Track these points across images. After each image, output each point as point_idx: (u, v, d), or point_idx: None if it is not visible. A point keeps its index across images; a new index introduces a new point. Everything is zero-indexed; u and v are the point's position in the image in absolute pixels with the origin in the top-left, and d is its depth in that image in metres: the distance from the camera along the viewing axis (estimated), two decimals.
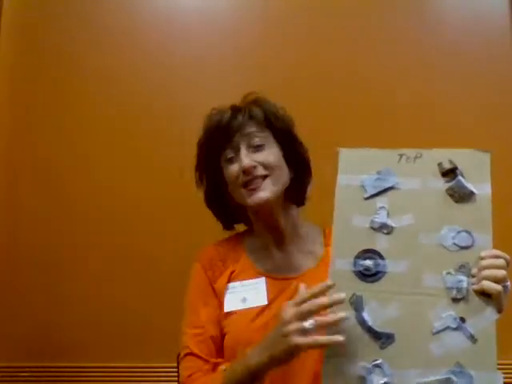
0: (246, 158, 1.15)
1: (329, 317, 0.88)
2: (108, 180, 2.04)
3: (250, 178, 1.15)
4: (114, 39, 2.11)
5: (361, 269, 0.91)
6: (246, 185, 1.16)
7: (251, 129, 1.18)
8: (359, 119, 2.00)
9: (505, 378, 1.85)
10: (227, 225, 1.30)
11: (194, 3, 2.15)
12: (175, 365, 1.40)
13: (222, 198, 1.26)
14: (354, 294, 0.90)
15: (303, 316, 0.89)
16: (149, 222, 2.02)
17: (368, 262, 0.91)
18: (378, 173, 0.96)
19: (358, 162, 0.98)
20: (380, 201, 0.94)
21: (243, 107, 1.22)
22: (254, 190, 1.15)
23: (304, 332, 0.88)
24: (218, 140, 1.19)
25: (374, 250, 0.92)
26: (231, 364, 1.07)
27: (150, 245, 2.00)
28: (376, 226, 0.93)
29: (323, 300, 0.89)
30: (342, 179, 0.97)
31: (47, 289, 1.99)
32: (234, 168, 1.17)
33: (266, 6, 2.14)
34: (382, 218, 0.93)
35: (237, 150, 1.17)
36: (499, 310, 0.87)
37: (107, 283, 1.99)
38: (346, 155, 0.99)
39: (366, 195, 0.95)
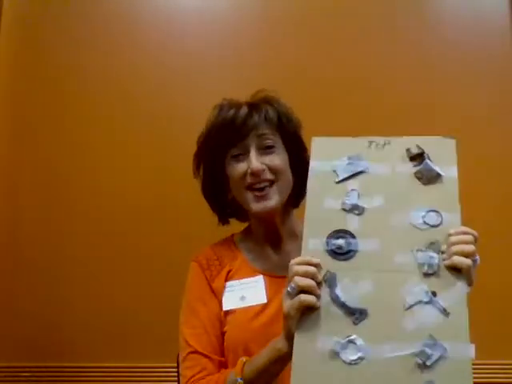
0: (256, 161, 1.15)
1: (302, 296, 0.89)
2: (108, 180, 2.04)
3: (257, 180, 1.16)
4: (113, 39, 2.12)
5: (333, 247, 0.92)
6: (251, 187, 1.17)
7: (265, 130, 1.18)
8: (359, 119, 2.00)
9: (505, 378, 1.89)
10: (222, 218, 1.30)
11: (193, 3, 2.15)
12: (175, 365, 1.40)
13: (220, 190, 1.26)
14: (327, 272, 0.91)
15: (289, 282, 0.92)
16: (149, 222, 2.02)
17: (340, 241, 0.92)
18: (349, 158, 0.99)
19: (330, 149, 1.01)
20: (351, 184, 0.97)
21: (259, 106, 1.21)
22: (262, 197, 1.16)
23: (289, 296, 0.90)
24: (229, 135, 1.18)
25: (346, 230, 0.93)
26: (254, 355, 1.06)
27: (150, 245, 2.00)
28: (347, 207, 0.95)
29: (303, 267, 0.90)
30: (314, 165, 1.00)
31: (47, 289, 1.99)
32: (240, 167, 1.17)
33: (265, 6, 2.14)
34: (353, 199, 0.96)
35: (246, 150, 1.17)
36: (469, 284, 0.88)
37: (107, 283, 1.99)
38: (318, 143, 1.03)
39: (338, 179, 0.98)
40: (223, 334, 1.17)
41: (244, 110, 1.19)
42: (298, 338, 0.88)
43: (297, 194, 1.24)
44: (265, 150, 1.18)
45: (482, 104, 2.07)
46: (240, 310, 1.17)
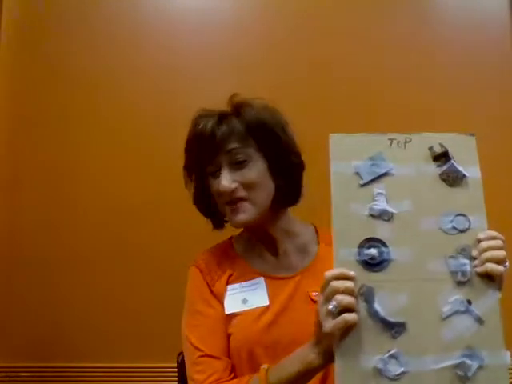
0: (226, 180, 1.13)
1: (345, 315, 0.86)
2: (108, 181, 2.05)
3: (230, 198, 1.14)
4: (114, 40, 2.13)
5: (366, 258, 0.89)
6: (227, 203, 1.15)
7: (233, 145, 1.14)
8: (360, 120, 2.01)
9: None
10: (216, 224, 1.27)
11: (193, 3, 2.15)
12: (175, 365, 1.39)
13: (209, 200, 1.23)
14: (363, 285, 0.88)
15: (328, 299, 0.88)
16: (149, 222, 2.02)
17: (373, 251, 0.89)
18: (371, 158, 0.95)
19: (350, 147, 0.96)
20: (377, 187, 0.93)
21: (227, 118, 1.16)
22: (235, 210, 1.14)
23: (331, 315, 0.87)
24: (201, 153, 1.16)
25: (377, 238, 0.90)
26: (280, 362, 1.03)
27: (150, 245, 2.00)
28: (376, 213, 0.91)
29: (342, 282, 0.87)
30: (334, 166, 0.95)
31: (47, 289, 2.00)
32: (216, 184, 1.15)
33: (266, 6, 2.15)
34: (381, 204, 0.92)
35: (220, 166, 1.15)
36: (499, 289, 0.89)
37: (107, 283, 2.00)
38: (336, 141, 0.96)
39: (362, 182, 0.94)
40: (228, 336, 1.17)
41: (210, 125, 1.15)
42: (339, 358, 0.86)
43: (288, 195, 1.21)
44: (237, 164, 1.14)
45: (481, 104, 2.08)
46: (243, 313, 1.16)
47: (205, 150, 1.15)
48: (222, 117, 1.17)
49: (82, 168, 2.06)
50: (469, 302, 0.87)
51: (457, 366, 0.85)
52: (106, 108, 2.09)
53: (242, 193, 1.14)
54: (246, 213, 1.14)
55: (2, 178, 2.05)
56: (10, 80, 2.10)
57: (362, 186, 0.94)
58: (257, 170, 1.15)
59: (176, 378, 1.43)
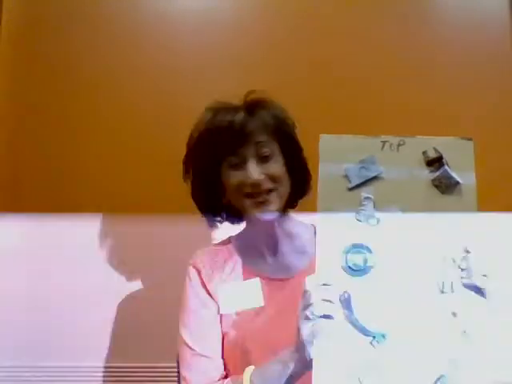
0: (255, 172, 1.13)
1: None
2: (108, 181, 2.04)
3: (257, 190, 1.14)
4: (114, 40, 2.11)
5: (350, 264, 0.88)
6: (250, 195, 1.15)
7: (262, 137, 1.16)
8: (361, 118, 2.00)
9: None
10: (212, 223, 1.28)
11: (194, 3, 2.15)
12: (175, 365, 1.40)
13: (213, 195, 1.24)
14: (344, 292, 0.87)
15: (307, 305, 0.88)
16: (149, 221, 2.01)
17: (356, 257, 0.88)
18: (362, 161, 0.93)
19: (340, 149, 0.94)
20: (365, 191, 0.92)
21: (255, 111, 1.18)
22: (262, 203, 1.14)
23: (308, 322, 0.87)
24: (227, 143, 1.15)
25: (362, 244, 0.89)
26: (264, 364, 1.04)
27: (150, 245, 2.00)
28: (362, 218, 0.90)
29: (321, 290, 0.88)
30: (323, 168, 0.94)
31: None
32: (239, 176, 1.15)
33: (266, 6, 2.14)
34: (368, 209, 0.90)
35: (244, 158, 1.15)
36: (488, 303, 0.86)
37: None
38: (326, 142, 0.95)
39: (350, 185, 0.92)
40: (223, 336, 1.17)
41: (240, 116, 1.16)
42: (316, 364, 0.86)
43: (294, 195, 1.23)
44: (263, 158, 1.16)
45: (481, 104, 2.07)
46: (237, 313, 1.17)
47: (232, 140, 1.15)
48: (249, 109, 1.18)
49: (82, 168, 2.06)
50: (453, 315, 0.86)
51: (437, 381, 0.83)
52: (106, 108, 2.08)
53: (269, 185, 1.15)
54: (274, 204, 1.15)
55: (1, 178, 2.05)
56: (10, 80, 2.10)
57: (350, 189, 0.92)
58: (280, 164, 1.17)
59: (176, 378, 1.43)
